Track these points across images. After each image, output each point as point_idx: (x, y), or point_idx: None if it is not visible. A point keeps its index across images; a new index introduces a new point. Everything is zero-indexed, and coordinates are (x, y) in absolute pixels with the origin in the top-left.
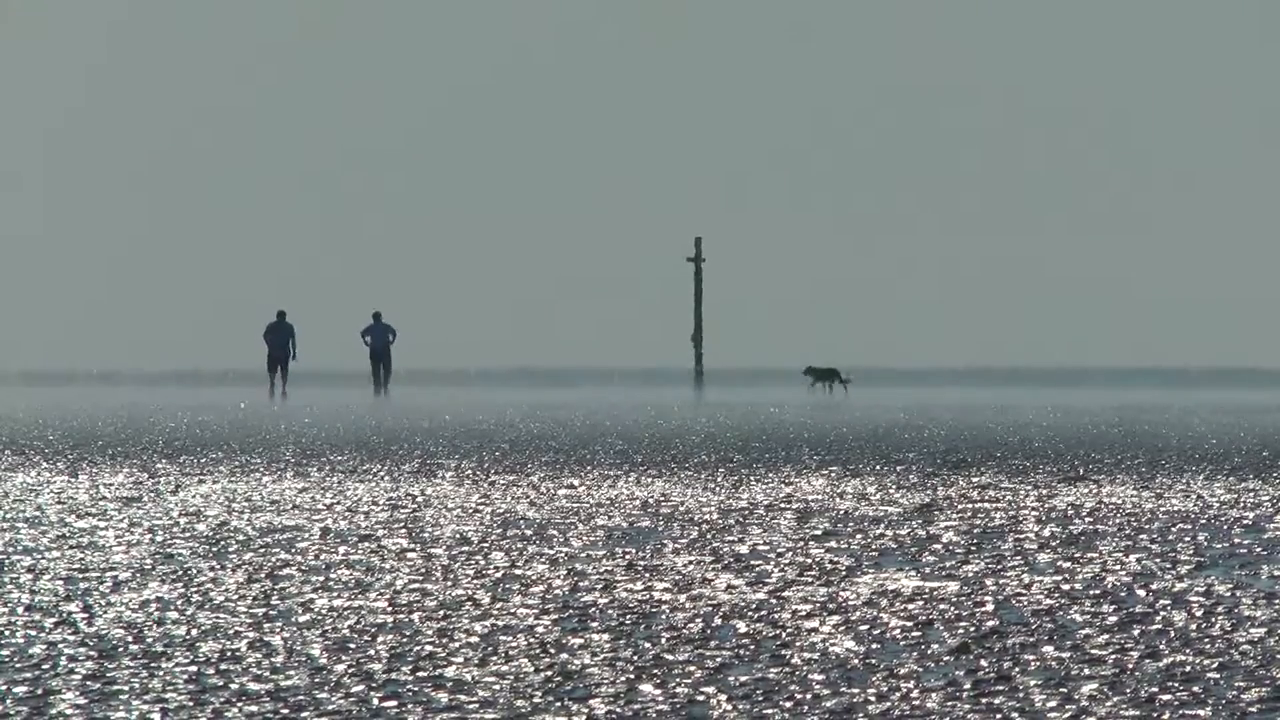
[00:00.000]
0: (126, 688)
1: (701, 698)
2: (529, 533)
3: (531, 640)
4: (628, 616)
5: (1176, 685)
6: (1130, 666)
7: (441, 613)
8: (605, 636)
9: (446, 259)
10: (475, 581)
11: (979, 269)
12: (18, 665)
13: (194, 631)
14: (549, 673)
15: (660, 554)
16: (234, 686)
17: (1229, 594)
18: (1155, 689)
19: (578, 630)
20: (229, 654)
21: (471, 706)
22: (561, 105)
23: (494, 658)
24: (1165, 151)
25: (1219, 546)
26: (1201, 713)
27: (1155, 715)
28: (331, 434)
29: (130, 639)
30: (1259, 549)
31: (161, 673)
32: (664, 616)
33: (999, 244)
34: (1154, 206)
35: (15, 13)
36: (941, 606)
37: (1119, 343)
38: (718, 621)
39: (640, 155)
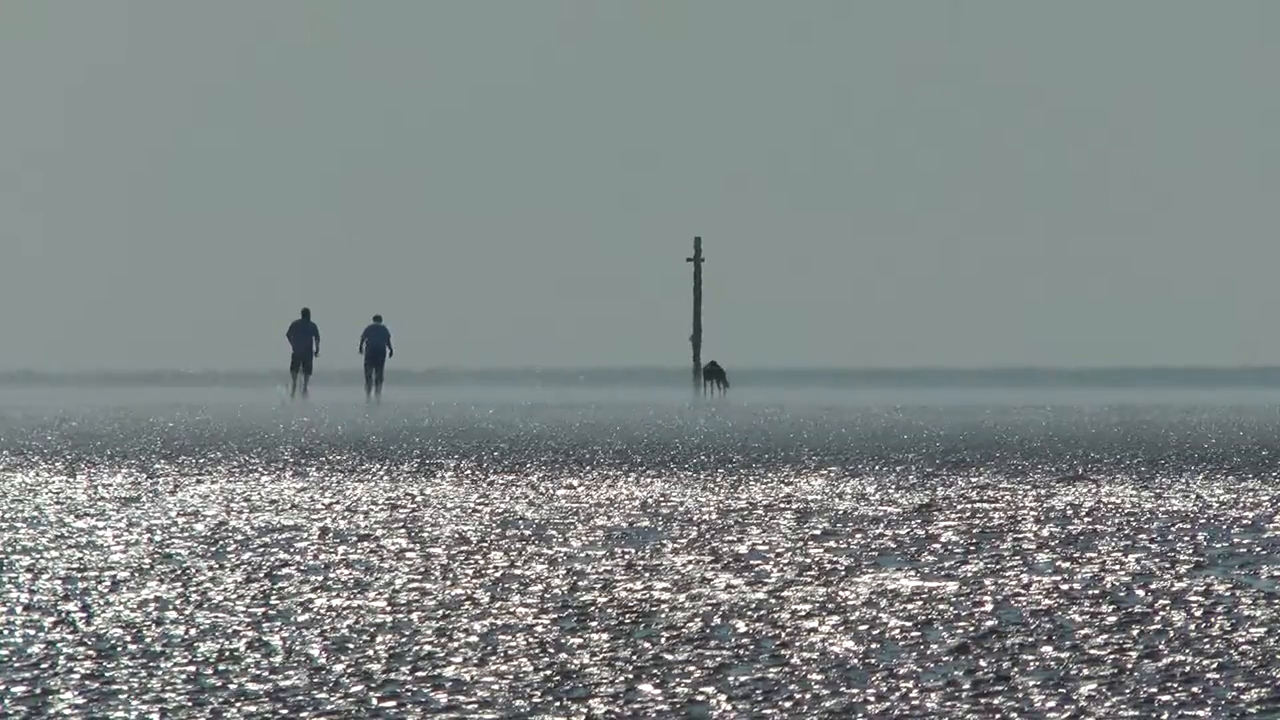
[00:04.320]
0: (125, 687)
1: (701, 698)
2: (528, 533)
3: (531, 640)
4: (627, 616)
5: (1176, 685)
6: (1129, 666)
7: (441, 612)
8: (605, 636)
9: (447, 259)
10: (474, 581)
11: (979, 269)
12: (16, 665)
13: (193, 631)
14: (548, 673)
15: (660, 554)
16: (233, 686)
17: (1228, 594)
18: (1154, 689)
19: (577, 630)
20: (228, 654)
21: (471, 706)
22: (562, 106)
23: (493, 658)
24: (1165, 151)
25: (1218, 546)
26: (1201, 713)
27: (1154, 715)
28: (330, 434)
29: (129, 639)
30: (1258, 549)
31: (160, 673)
32: (663, 616)
33: (999, 244)
34: (1154, 206)
35: (15, 13)
36: (941, 606)
37: (1119, 343)
38: (717, 621)
39: (640, 155)
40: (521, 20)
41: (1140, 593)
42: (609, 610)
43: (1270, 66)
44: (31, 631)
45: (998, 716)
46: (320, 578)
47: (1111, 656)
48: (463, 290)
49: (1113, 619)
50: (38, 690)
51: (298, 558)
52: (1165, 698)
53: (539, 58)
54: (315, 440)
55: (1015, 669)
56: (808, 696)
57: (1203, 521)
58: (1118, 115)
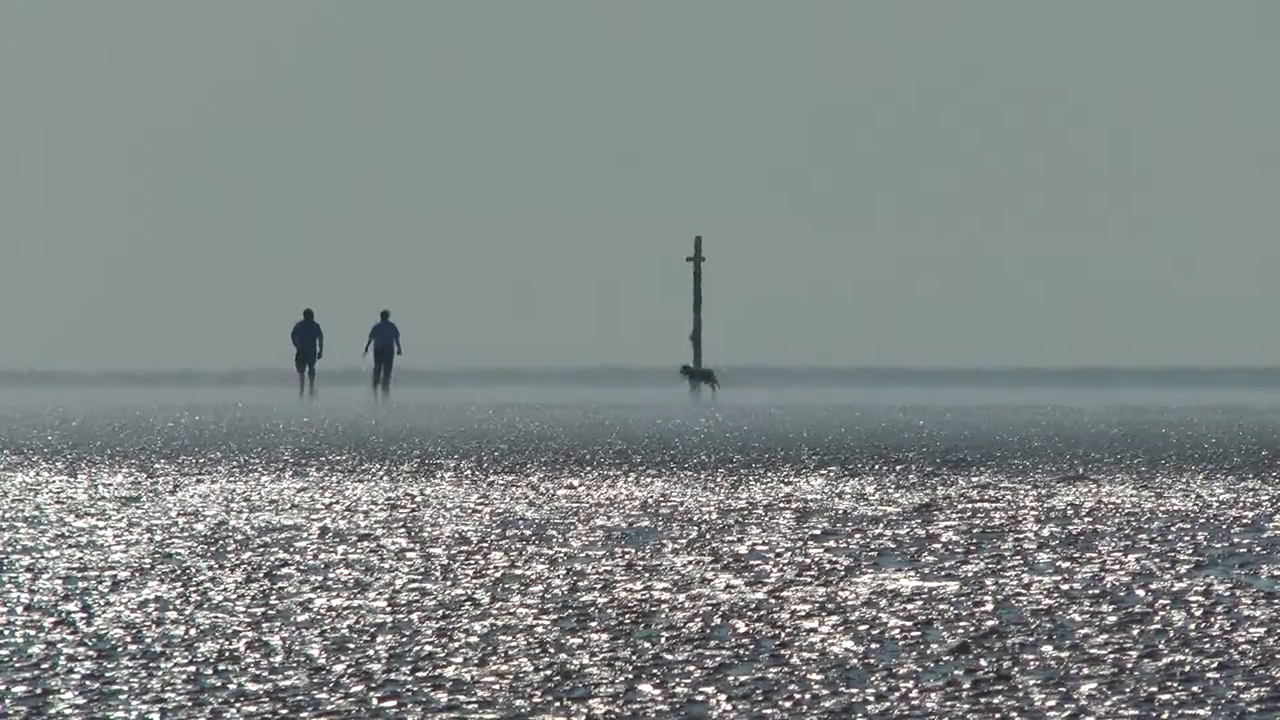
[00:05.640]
0: (125, 688)
1: (701, 698)
2: (528, 533)
3: (531, 640)
4: (627, 616)
5: (1176, 685)
6: (1130, 666)
7: (441, 612)
8: (604, 636)
9: (446, 259)
10: (474, 581)
11: (979, 269)
12: (17, 665)
13: (193, 631)
14: (548, 672)
15: (660, 554)
16: (233, 686)
17: (1228, 594)
18: (1155, 689)
19: (577, 630)
20: (228, 654)
21: (471, 706)
22: (561, 105)
23: (493, 658)
24: (1166, 152)
25: (1218, 546)
26: (1201, 712)
27: (1155, 715)
28: (330, 434)
29: (129, 639)
30: (1258, 549)
31: (160, 673)
32: (663, 616)
33: (1000, 244)
34: (1154, 206)
35: (15, 13)
36: (941, 606)
37: (1119, 343)
38: (717, 621)
39: (640, 155)
40: (521, 20)
41: (1140, 592)
42: (609, 610)
43: (1270, 66)
44: (32, 631)
45: (998, 716)
46: (320, 578)
47: (1112, 656)
48: (462, 290)
49: (1113, 619)
50: (38, 690)
51: (298, 558)
52: (1165, 697)
53: (538, 58)
54: (315, 440)
55: (1016, 668)
56: (808, 696)
57: (1203, 521)
58: (1118, 115)
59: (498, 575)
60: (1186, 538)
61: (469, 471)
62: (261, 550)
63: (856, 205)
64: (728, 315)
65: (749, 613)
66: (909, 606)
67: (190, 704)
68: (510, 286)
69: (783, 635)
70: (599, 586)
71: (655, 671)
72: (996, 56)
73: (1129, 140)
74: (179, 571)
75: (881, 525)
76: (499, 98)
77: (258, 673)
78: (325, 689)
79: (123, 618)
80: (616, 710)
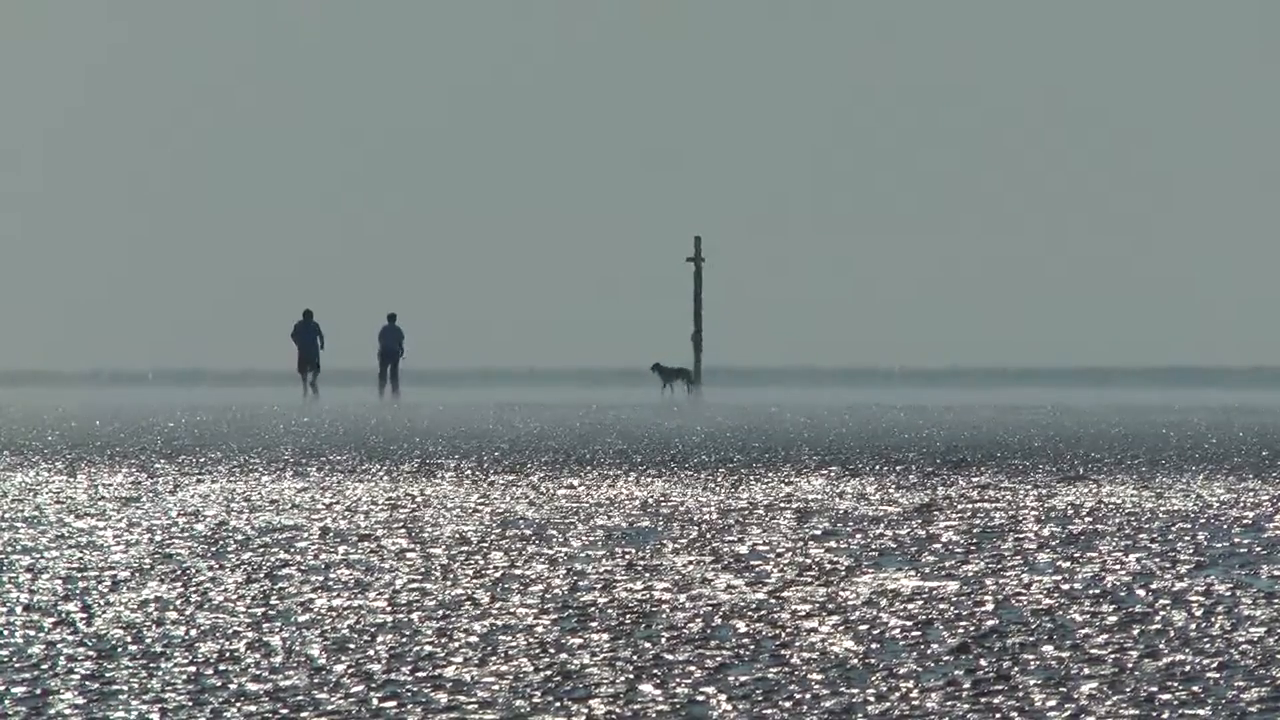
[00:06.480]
0: (125, 688)
1: (701, 698)
2: (528, 533)
3: (531, 640)
4: (627, 616)
5: (1176, 685)
6: (1130, 666)
7: (441, 612)
8: (604, 636)
9: (447, 260)
10: (475, 581)
11: (979, 269)
12: (16, 665)
13: (193, 631)
14: (548, 673)
15: (660, 554)
16: (233, 686)
17: (1229, 594)
18: (1155, 688)
19: (577, 630)
20: (228, 654)
21: (471, 706)
22: (562, 106)
23: (493, 658)
24: (1166, 152)
25: (1219, 546)
26: (1201, 712)
27: (1155, 715)
28: (331, 434)
29: (129, 639)
30: (1259, 549)
31: (160, 673)
32: (664, 616)
33: (999, 244)
34: (1154, 206)
35: (15, 13)
36: (941, 606)
37: (1119, 343)
38: (717, 621)
39: (640, 155)
40: (523, 20)
41: (1141, 592)
42: (609, 610)
43: (1270, 66)
44: (31, 631)
45: (998, 716)
46: (321, 578)
47: (1112, 656)
48: (463, 290)
49: (1113, 618)
50: (38, 690)
51: (298, 558)
52: (1165, 697)
53: (540, 58)
54: (316, 440)
55: (1016, 668)
56: (808, 696)
57: (1203, 521)
58: (1118, 115)
59: (498, 575)
60: (1187, 538)
61: (469, 471)
62: (262, 550)
63: (856, 206)
64: (728, 315)
65: (749, 613)
66: (909, 606)
67: (190, 704)
68: (510, 286)
69: (783, 635)
70: (599, 586)
71: (655, 671)
72: (997, 58)
73: (1130, 141)
74: (179, 571)
75: (882, 525)
76: (499, 98)
77: (258, 673)
78: (325, 689)
79: (123, 618)
80: (616, 710)
